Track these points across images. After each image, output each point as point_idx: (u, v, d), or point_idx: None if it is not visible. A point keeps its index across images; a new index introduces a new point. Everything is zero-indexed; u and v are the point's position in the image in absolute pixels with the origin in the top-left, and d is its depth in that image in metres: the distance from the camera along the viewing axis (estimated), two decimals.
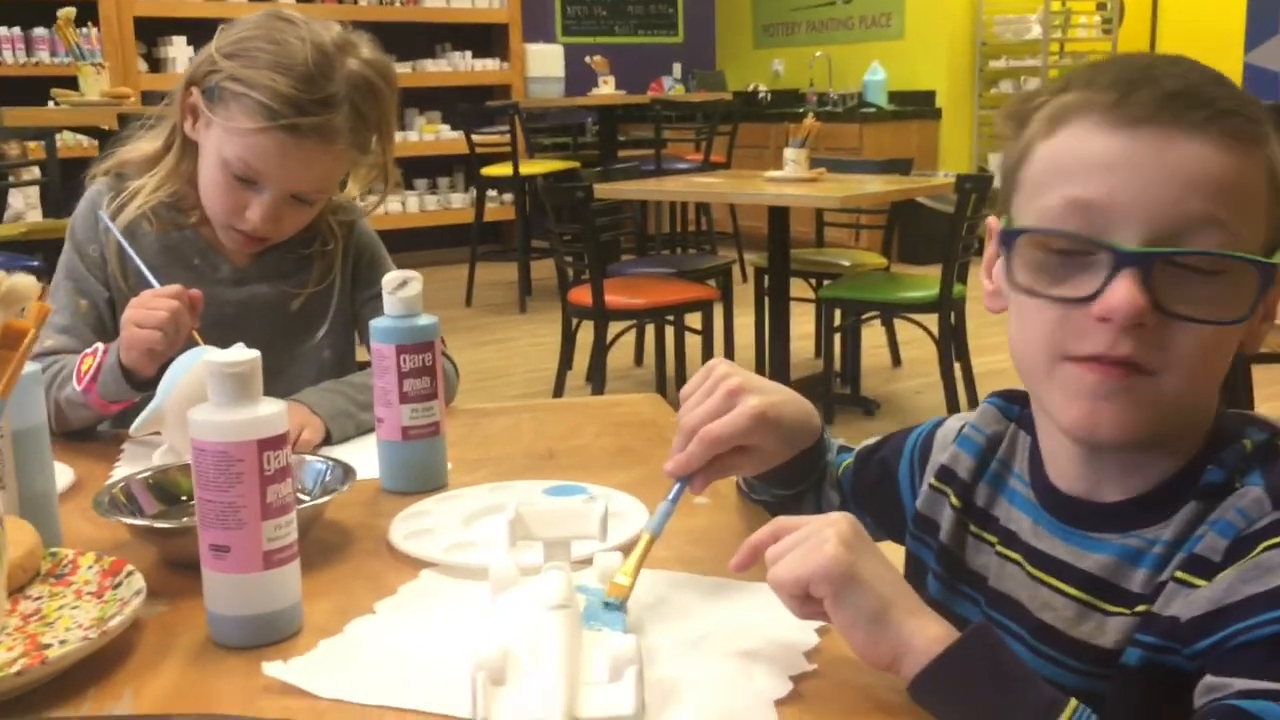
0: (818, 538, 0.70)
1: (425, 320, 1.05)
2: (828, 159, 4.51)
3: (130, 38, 6.15)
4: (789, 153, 4.01)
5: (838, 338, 4.19)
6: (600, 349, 3.83)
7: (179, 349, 1.13)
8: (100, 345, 1.19)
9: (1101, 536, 0.74)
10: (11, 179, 4.87)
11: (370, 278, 1.40)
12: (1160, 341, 0.67)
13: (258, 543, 0.74)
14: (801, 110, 7.50)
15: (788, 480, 0.94)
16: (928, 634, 0.67)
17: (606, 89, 6.61)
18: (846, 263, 4.34)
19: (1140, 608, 0.71)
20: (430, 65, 7.21)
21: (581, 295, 3.83)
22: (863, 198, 3.75)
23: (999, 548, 0.81)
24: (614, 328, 3.92)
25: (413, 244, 7.36)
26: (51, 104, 4.14)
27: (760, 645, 0.74)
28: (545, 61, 7.47)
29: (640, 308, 3.85)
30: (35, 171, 5.05)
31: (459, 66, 7.29)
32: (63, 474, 1.11)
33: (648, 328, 4.42)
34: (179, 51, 6.31)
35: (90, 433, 1.25)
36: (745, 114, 6.67)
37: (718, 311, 4.14)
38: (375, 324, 1.05)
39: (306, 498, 0.96)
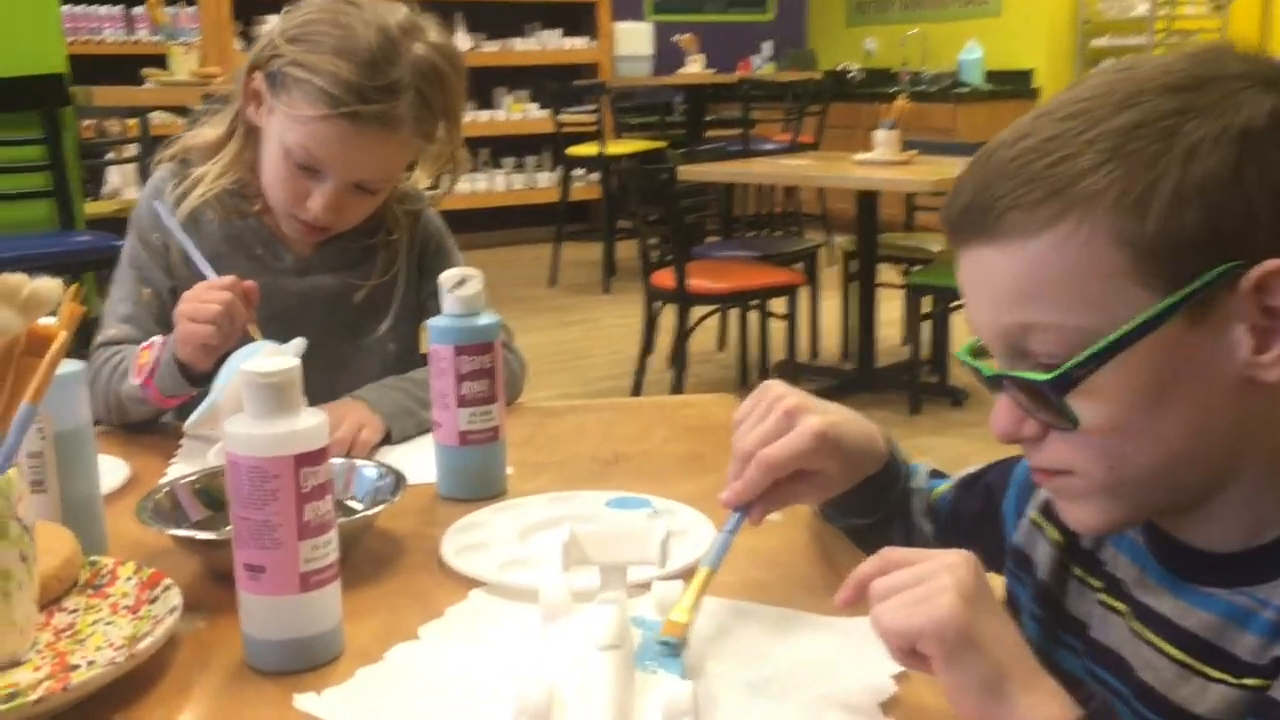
0: (934, 585, 0.63)
1: (486, 319, 1.00)
2: (920, 140, 4.37)
3: (227, 16, 6.21)
4: (879, 134, 3.89)
5: (926, 325, 4.07)
6: (682, 334, 3.77)
7: (234, 342, 1.10)
8: (158, 338, 1.16)
9: (1209, 591, 0.66)
10: (112, 155, 4.95)
11: (436, 268, 1.35)
12: (1047, 442, 0.66)
13: (294, 563, 0.70)
14: (893, 90, 7.34)
15: (860, 508, 0.88)
16: (1044, 713, 0.60)
17: (695, 68, 6.52)
18: (936, 248, 4.21)
19: (1250, 680, 0.63)
20: (519, 44, 7.19)
21: (664, 278, 3.77)
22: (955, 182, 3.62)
23: (1103, 595, 0.74)
24: (697, 312, 3.86)
25: (498, 223, 7.37)
26: (145, 84, 4.19)
27: (831, 692, 0.68)
28: (634, 40, 7.40)
29: (723, 292, 3.78)
30: (135, 150, 5.14)
31: (548, 45, 7.25)
32: (118, 470, 1.09)
33: (731, 312, 4.35)
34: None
35: (152, 424, 1.23)
36: (836, 94, 6.53)
37: (803, 296, 4.05)
38: (433, 323, 1.00)
39: (359, 506, 0.92)
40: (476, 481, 1.00)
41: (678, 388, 3.73)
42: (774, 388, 0.83)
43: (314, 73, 1.15)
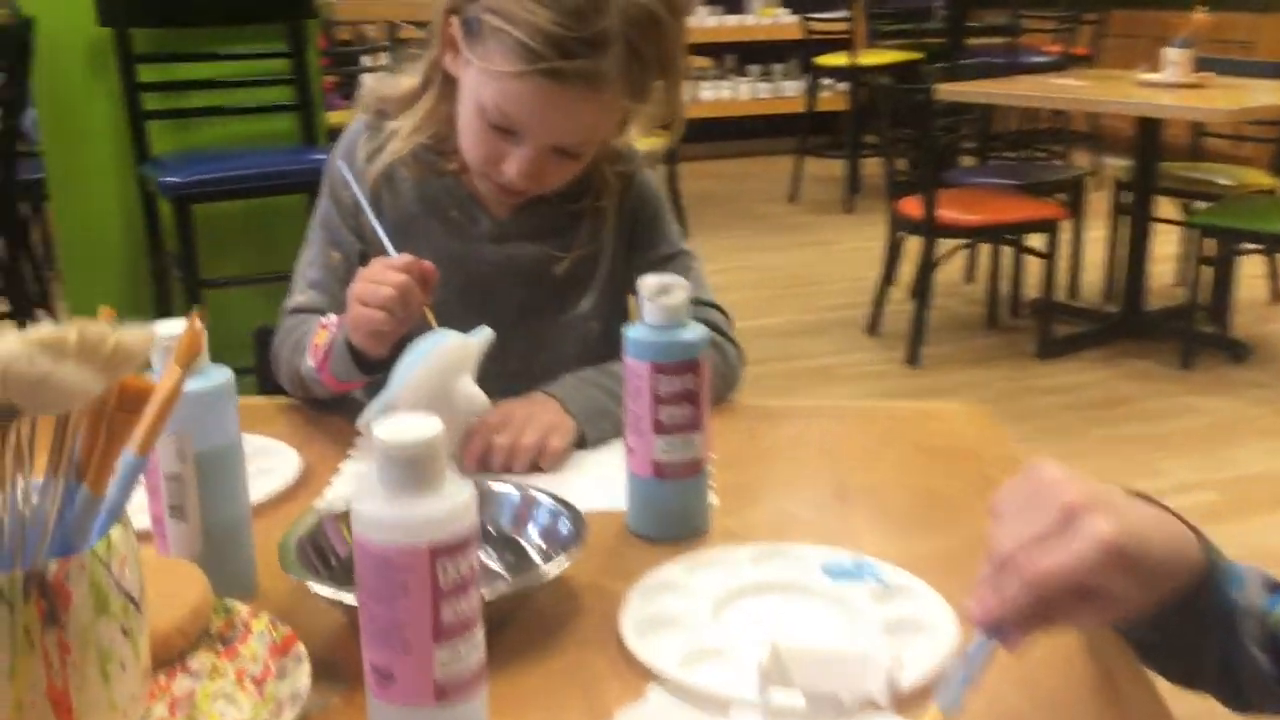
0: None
1: (691, 334, 0.84)
2: (1214, 58, 3.88)
3: None
4: (1170, 52, 3.46)
5: (1206, 269, 3.64)
6: (926, 267, 3.51)
7: (411, 328, 0.99)
8: (334, 317, 1.06)
9: None
10: (368, 60, 5.00)
11: (649, 240, 1.21)
12: None
13: (428, 671, 0.57)
14: None
15: (1157, 626, 0.67)
16: None
17: None
18: (1226, 181, 3.75)
19: None
20: None
21: (911, 206, 3.50)
22: (1255, 110, 3.18)
23: None
24: (944, 244, 3.58)
25: (741, 132, 7.15)
26: None
27: None
28: None
29: (975, 225, 3.48)
30: (386, 59, 5.17)
31: None
32: (289, 462, 1.01)
33: (982, 244, 4.03)
34: None
35: (342, 401, 1.14)
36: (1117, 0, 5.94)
37: (1064, 229, 3.69)
38: (630, 334, 0.85)
39: (531, 550, 0.79)
40: (672, 520, 0.86)
41: (919, 324, 3.48)
42: (1047, 470, 0.63)
43: (511, 22, 1.00)
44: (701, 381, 0.84)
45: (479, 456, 0.99)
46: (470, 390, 0.95)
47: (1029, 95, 3.48)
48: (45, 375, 0.49)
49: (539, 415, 1.01)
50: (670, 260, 1.21)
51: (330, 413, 1.13)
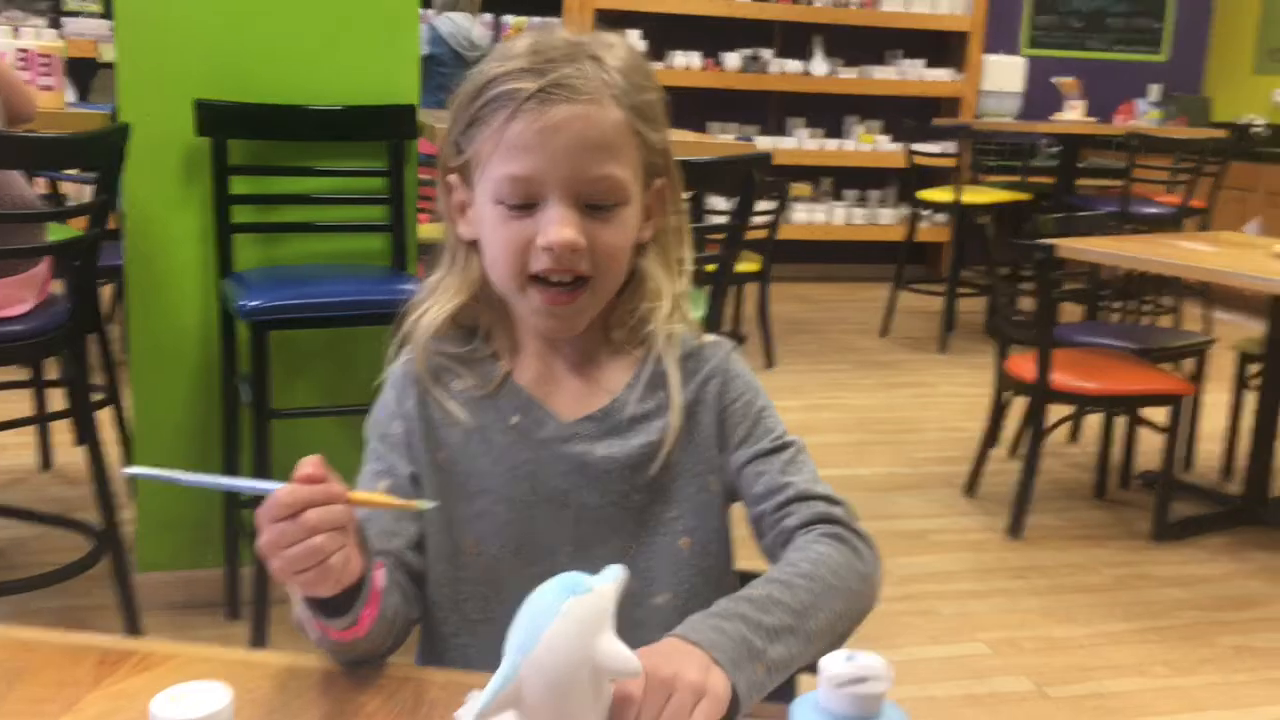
0: None
1: None
2: None
3: (590, 28, 6.16)
4: None
5: None
6: (1037, 435, 3.28)
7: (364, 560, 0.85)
8: None
9: None
10: None
11: (746, 432, 1.05)
12: None
13: None
14: None
15: None
16: None
17: (1074, 114, 5.90)
18: None
19: None
20: (877, 72, 6.78)
21: (1021, 367, 3.29)
22: None
23: None
24: (1054, 409, 3.35)
25: (835, 256, 7.01)
26: None
27: None
28: (1004, 74, 6.82)
29: (1092, 393, 3.26)
30: None
31: (908, 75, 6.81)
32: None
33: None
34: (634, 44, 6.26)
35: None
36: (1234, 150, 5.73)
37: (1185, 402, 3.45)
38: (801, 711, 0.65)
39: None
40: None
41: (1024, 493, 3.25)
42: None
43: (493, 95, 0.97)
44: None
45: None
46: (615, 650, 0.75)
47: (1164, 262, 3.27)
48: None
49: (682, 671, 0.81)
50: (775, 453, 1.05)
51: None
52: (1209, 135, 5.52)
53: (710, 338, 1.08)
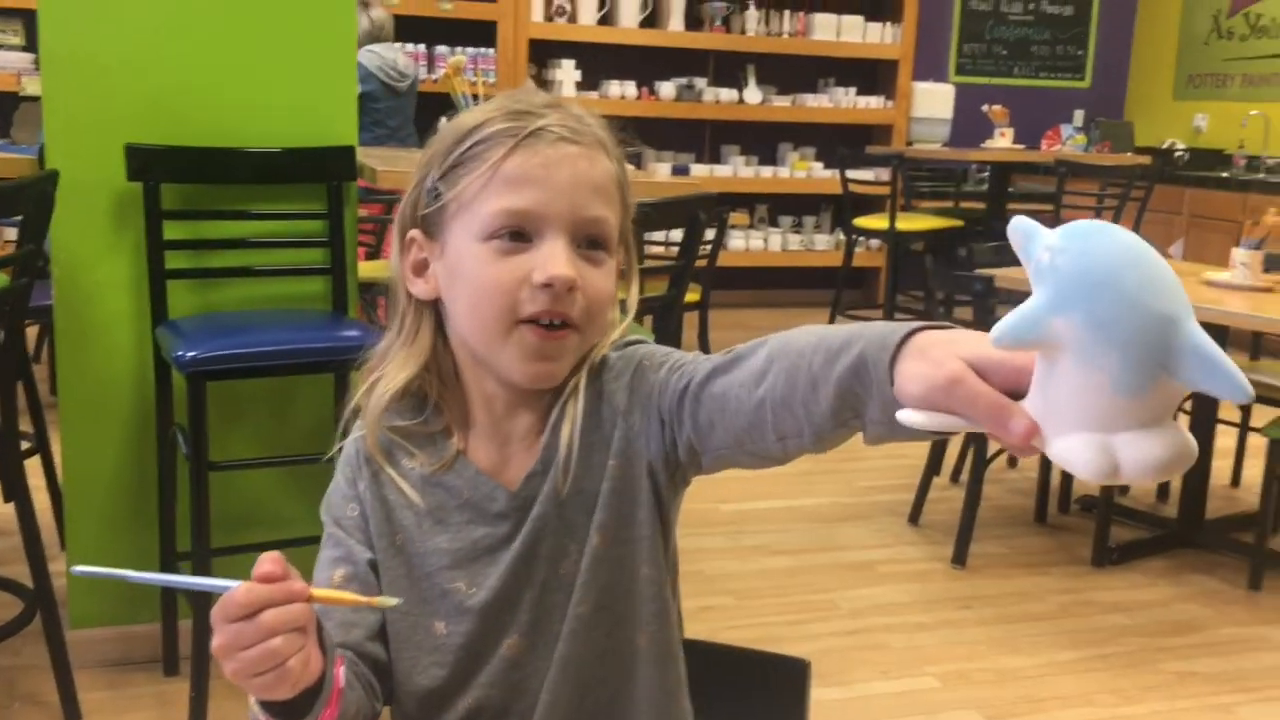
0: None
1: None
2: (1271, 253, 3.73)
3: (524, 59, 6.18)
4: (1239, 254, 3.31)
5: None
6: (979, 462, 3.31)
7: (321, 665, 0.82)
8: None
9: None
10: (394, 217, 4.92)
11: (658, 372, 0.99)
12: None
13: None
14: (1226, 174, 6.56)
15: None
16: None
17: (1003, 141, 6.00)
18: None
19: None
20: (810, 100, 6.85)
21: None
22: None
23: None
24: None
25: (773, 283, 7.05)
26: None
27: None
28: (934, 102, 6.94)
29: None
30: None
31: (840, 103, 6.88)
32: None
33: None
34: (567, 75, 6.28)
35: None
36: (1159, 175, 5.86)
37: None
38: None
39: None
40: None
41: (967, 523, 3.27)
42: None
43: (478, 139, 0.95)
44: None
45: None
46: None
47: None
48: None
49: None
50: (678, 367, 0.97)
51: None
52: (1133, 160, 5.66)
53: (622, 339, 1.03)
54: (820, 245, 7.03)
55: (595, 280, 0.95)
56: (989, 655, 2.73)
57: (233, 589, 0.77)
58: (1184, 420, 3.60)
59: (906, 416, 0.70)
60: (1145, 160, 5.80)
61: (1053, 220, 5.23)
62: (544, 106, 0.96)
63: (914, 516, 3.58)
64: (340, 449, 1.05)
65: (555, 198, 0.93)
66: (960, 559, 3.27)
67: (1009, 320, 0.63)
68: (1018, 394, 0.66)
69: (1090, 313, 0.60)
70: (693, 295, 4.88)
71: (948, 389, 0.68)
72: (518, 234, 0.93)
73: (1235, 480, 4.04)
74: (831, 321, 5.70)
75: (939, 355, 0.70)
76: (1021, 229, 0.65)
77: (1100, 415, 0.62)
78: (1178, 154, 7.12)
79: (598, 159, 0.96)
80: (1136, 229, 5.51)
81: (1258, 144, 6.67)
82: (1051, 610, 3.00)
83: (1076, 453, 0.63)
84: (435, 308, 1.01)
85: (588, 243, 0.96)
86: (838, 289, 5.68)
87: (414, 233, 1.00)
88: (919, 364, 0.71)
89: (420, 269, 1.00)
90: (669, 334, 2.60)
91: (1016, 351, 0.66)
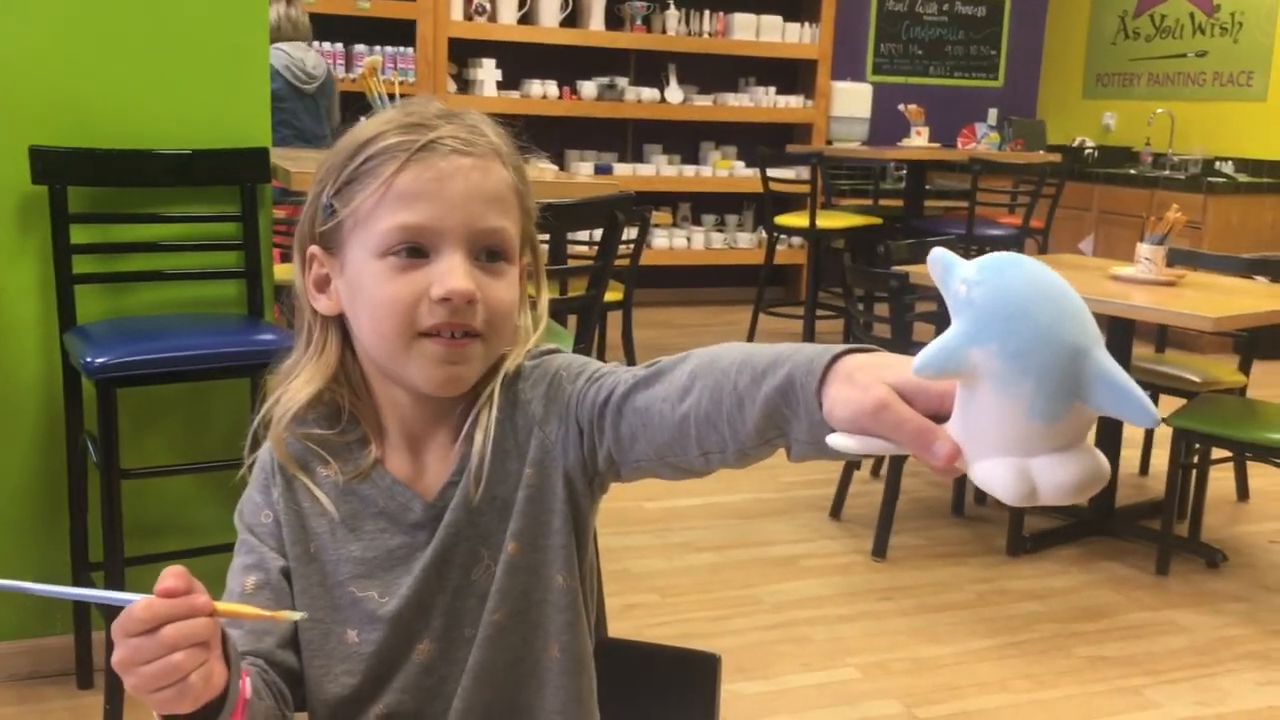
0: None
1: None
2: (1178, 248, 3.85)
3: (444, 58, 6.14)
4: (1144, 249, 3.41)
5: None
6: (899, 459, 3.36)
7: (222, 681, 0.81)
8: None
9: None
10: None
11: (575, 384, 0.99)
12: None
13: None
14: (1133, 171, 6.74)
15: None
16: None
17: (920, 140, 6.10)
18: (1195, 378, 3.69)
19: None
20: (731, 99, 6.90)
21: None
22: (1240, 319, 3.11)
23: None
24: None
25: (696, 281, 7.09)
26: None
27: None
28: (852, 101, 7.03)
29: (948, 414, 3.35)
30: None
31: (761, 102, 6.94)
32: None
33: None
34: (488, 74, 6.26)
35: None
36: (1069, 172, 6.00)
37: None
38: None
39: None
40: None
41: (887, 516, 3.32)
42: None
43: (369, 155, 0.94)
44: None
45: None
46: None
47: None
48: None
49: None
50: (597, 371, 0.99)
51: None
52: (1045, 158, 5.79)
53: (538, 347, 1.04)
54: (743, 243, 7.08)
55: (496, 291, 0.95)
56: (909, 645, 2.78)
57: (133, 603, 0.77)
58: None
59: (836, 441, 0.73)
60: (1056, 158, 5.93)
61: (967, 220, 5.35)
62: (437, 118, 0.96)
63: (835, 511, 3.63)
64: (255, 458, 1.04)
65: (450, 211, 0.93)
66: (880, 551, 3.32)
67: (929, 351, 0.65)
68: (940, 417, 0.69)
69: (1005, 344, 0.63)
70: (616, 294, 4.90)
71: (875, 414, 0.70)
72: (414, 249, 0.93)
73: (1144, 468, 4.16)
74: (754, 318, 5.76)
75: (865, 380, 0.72)
76: (940, 262, 0.68)
77: (1018, 440, 0.65)
78: (1088, 151, 7.29)
79: (492, 169, 0.96)
80: (1048, 226, 5.65)
81: (1163, 141, 6.86)
82: (969, 599, 3.06)
83: (996, 477, 0.66)
84: (341, 321, 1.00)
85: (486, 254, 0.95)
86: (760, 287, 5.73)
87: (313, 249, 0.99)
88: (846, 389, 0.73)
89: (322, 285, 1.00)
90: (589, 334, 2.60)
91: None
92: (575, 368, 1.00)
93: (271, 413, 1.01)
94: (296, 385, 1.01)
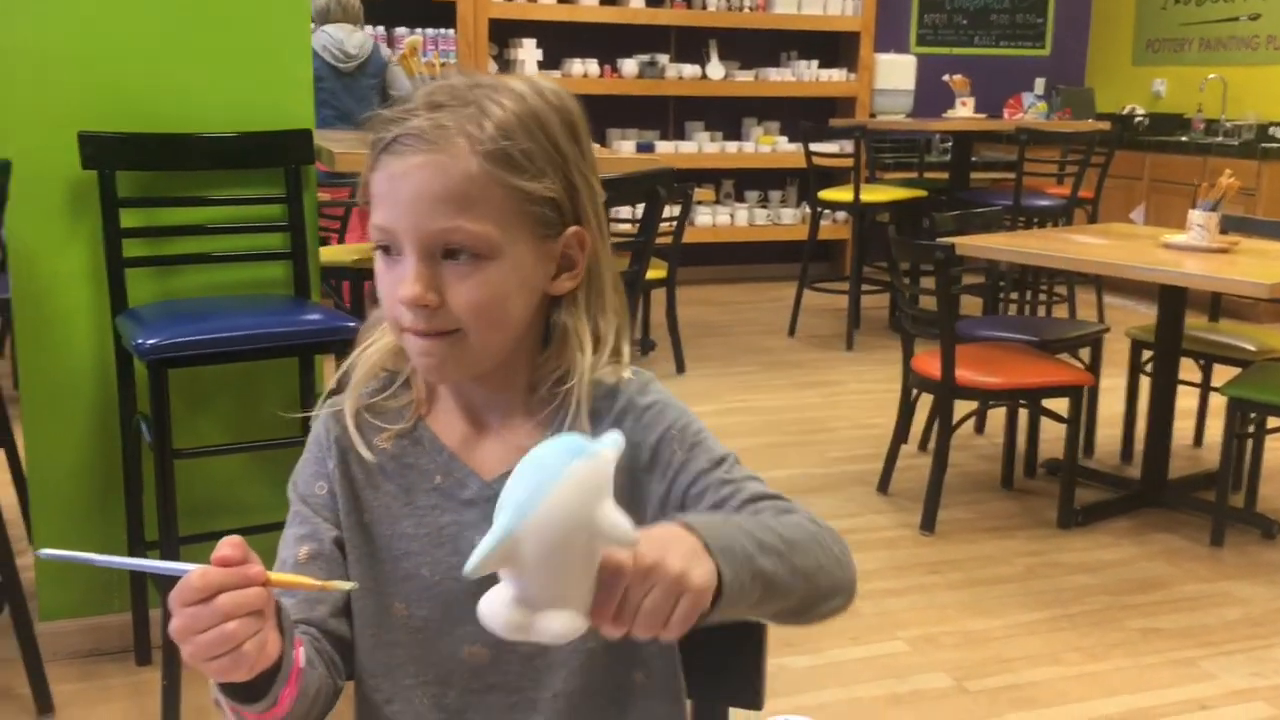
0: None
1: None
2: (1233, 215, 3.78)
3: (484, 39, 6.15)
4: (1197, 215, 3.34)
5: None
6: (945, 432, 3.34)
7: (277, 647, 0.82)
8: None
9: None
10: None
11: (684, 454, 1.00)
12: None
13: None
14: (1185, 138, 6.61)
15: None
16: None
17: (965, 111, 6.01)
18: (1250, 346, 3.62)
19: None
20: (773, 74, 6.85)
21: (926, 365, 3.35)
22: None
23: None
24: (960, 405, 3.41)
25: (740, 258, 7.07)
26: None
27: None
28: (896, 73, 6.95)
29: (996, 387, 3.32)
30: None
31: (803, 76, 6.89)
32: None
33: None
34: (528, 54, 6.26)
35: None
36: (1119, 141, 5.90)
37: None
38: None
39: None
40: None
41: (935, 489, 3.30)
42: None
43: (371, 156, 0.95)
44: None
45: (617, 616, 0.78)
46: (614, 519, 0.75)
47: (1060, 257, 3.35)
48: None
49: (668, 556, 0.78)
50: (716, 467, 0.99)
51: None
52: (1094, 127, 5.68)
53: (628, 373, 1.02)
54: (786, 219, 7.04)
55: (464, 292, 0.92)
56: (957, 618, 2.76)
57: (189, 572, 0.78)
58: (1145, 382, 3.65)
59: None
60: (1105, 126, 5.82)
61: (1014, 191, 5.27)
62: (438, 102, 0.92)
63: (883, 485, 3.61)
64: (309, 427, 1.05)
65: (401, 214, 0.92)
66: (929, 525, 3.30)
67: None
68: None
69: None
70: (660, 272, 4.90)
71: None
72: (388, 248, 0.94)
73: (1198, 440, 4.10)
74: (799, 295, 5.73)
75: None
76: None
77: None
78: (1137, 119, 7.17)
79: (454, 164, 0.90)
80: (1097, 195, 5.56)
81: (1215, 107, 6.73)
82: (1018, 572, 3.04)
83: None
84: None
85: (445, 253, 0.92)
86: (804, 262, 5.69)
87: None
88: None
89: None
90: (633, 310, 2.60)
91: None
92: (689, 436, 1.00)
93: (352, 366, 1.02)
94: (368, 353, 1.02)
